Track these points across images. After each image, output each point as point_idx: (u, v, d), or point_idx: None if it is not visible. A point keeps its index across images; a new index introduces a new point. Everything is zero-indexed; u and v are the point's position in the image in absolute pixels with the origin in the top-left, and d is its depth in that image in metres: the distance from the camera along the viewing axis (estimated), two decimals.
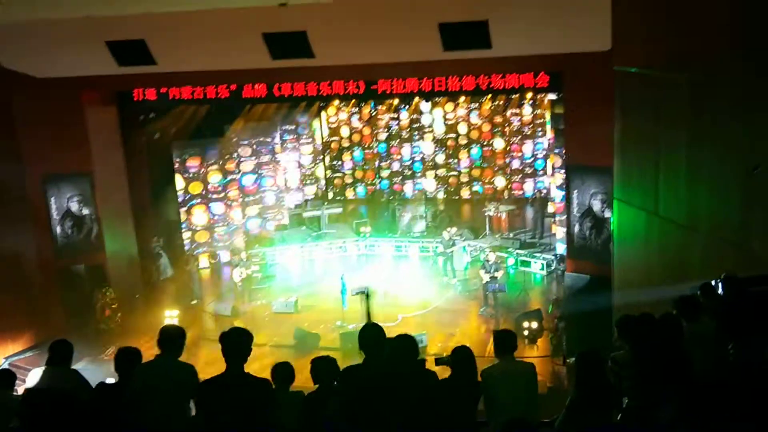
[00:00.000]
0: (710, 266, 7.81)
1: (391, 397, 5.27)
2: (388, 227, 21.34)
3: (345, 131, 23.94)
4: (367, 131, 23.78)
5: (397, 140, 23.53)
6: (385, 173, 23.86)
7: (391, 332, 5.67)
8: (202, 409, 5.07)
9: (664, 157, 9.57)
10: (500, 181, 22.66)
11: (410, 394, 5.32)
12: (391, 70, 13.36)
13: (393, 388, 5.30)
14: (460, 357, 5.72)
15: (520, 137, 22.35)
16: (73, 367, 6.39)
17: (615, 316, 10.81)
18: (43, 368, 6.20)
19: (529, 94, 19.98)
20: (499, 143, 22.61)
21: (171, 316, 16.10)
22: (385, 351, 5.48)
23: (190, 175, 19.79)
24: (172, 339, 5.50)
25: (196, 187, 19.89)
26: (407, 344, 5.50)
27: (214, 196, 20.25)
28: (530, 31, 11.48)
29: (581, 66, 11.62)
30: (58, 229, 14.54)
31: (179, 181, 19.57)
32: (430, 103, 22.21)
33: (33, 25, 12.11)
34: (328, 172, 24.13)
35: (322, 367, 5.69)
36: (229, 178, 20.45)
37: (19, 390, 6.69)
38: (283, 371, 6.25)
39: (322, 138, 23.79)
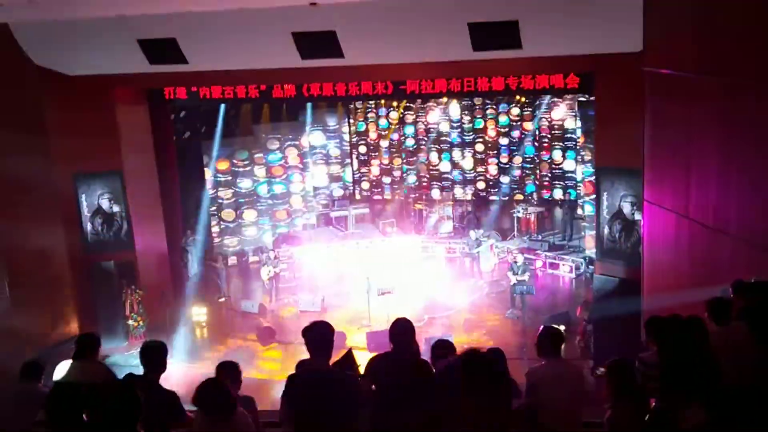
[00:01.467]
0: (740, 270, 7.69)
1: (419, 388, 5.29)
2: (415, 228, 21.33)
3: (373, 132, 23.94)
4: (395, 132, 23.76)
5: (426, 141, 23.48)
6: (412, 174, 23.81)
7: (418, 333, 5.70)
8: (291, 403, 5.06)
9: (695, 160, 9.46)
10: (529, 185, 22.51)
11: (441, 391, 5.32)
12: (420, 70, 13.34)
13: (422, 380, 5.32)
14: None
15: (549, 138, 22.19)
16: (102, 362, 6.49)
17: (644, 320, 10.74)
18: (70, 362, 6.28)
19: (559, 96, 19.83)
20: (528, 146, 22.47)
21: (199, 313, 16.28)
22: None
23: (220, 174, 19.95)
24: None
25: (225, 186, 20.05)
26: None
27: (243, 194, 20.39)
28: (561, 32, 11.38)
29: (612, 67, 11.50)
30: (89, 226, 14.69)
31: (209, 180, 19.73)
32: (458, 104, 22.11)
33: (65, 24, 12.27)
34: (356, 173, 24.15)
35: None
36: (258, 176, 20.58)
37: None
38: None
39: (350, 138, 23.80)
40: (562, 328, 13.69)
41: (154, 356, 5.50)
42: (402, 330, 5.62)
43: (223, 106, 18.37)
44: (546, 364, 5.89)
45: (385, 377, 5.57)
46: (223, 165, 20.09)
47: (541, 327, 6.23)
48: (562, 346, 5.97)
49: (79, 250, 14.55)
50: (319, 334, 5.06)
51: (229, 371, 5.75)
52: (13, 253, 12.98)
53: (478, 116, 22.33)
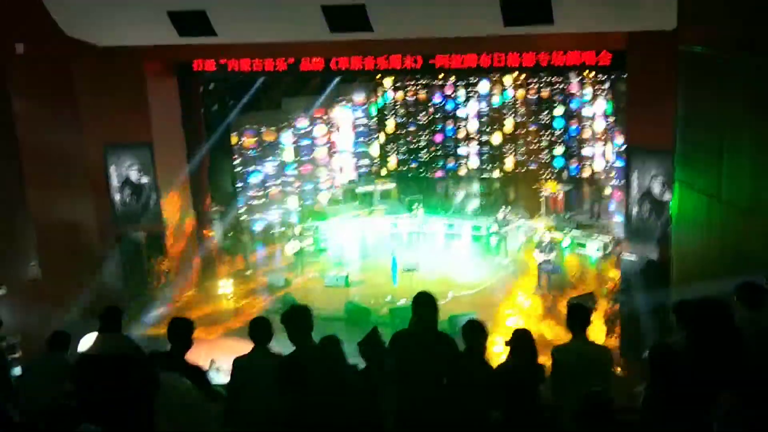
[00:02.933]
0: None
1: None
2: (441, 205, 21.25)
3: (401, 107, 23.80)
4: (422, 107, 23.60)
5: (453, 117, 23.29)
6: (439, 150, 23.67)
7: (442, 311, 5.69)
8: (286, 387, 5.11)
9: (728, 141, 9.27)
10: (559, 161, 22.26)
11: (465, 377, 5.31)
12: (450, 44, 13.20)
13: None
14: (521, 341, 5.61)
15: (580, 116, 21.93)
16: (129, 333, 6.55)
17: (671, 301, 10.63)
18: (95, 334, 6.34)
19: (590, 73, 19.55)
20: (559, 122, 22.19)
21: (225, 286, 16.40)
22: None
23: (247, 148, 19.98)
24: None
25: (252, 159, 20.09)
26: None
27: (270, 168, 20.42)
28: (593, 8, 11.19)
29: (645, 44, 11.29)
30: (117, 197, 14.82)
31: (236, 153, 19.77)
32: (488, 81, 21.89)
33: None
34: (382, 148, 24.06)
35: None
36: (285, 150, 20.60)
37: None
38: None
39: (377, 113, 23.69)
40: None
41: (181, 333, 5.53)
42: (424, 303, 5.60)
43: (255, 79, 18.31)
44: (571, 342, 5.82)
45: (407, 353, 5.57)
46: (251, 138, 20.10)
47: (569, 304, 6.17)
48: (588, 324, 5.88)
49: (107, 221, 14.69)
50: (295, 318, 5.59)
51: (263, 330, 5.78)
52: (43, 223, 13.13)
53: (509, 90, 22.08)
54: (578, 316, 5.84)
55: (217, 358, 10.10)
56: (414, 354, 5.54)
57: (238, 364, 5.61)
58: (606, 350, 5.98)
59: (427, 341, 5.59)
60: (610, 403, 4.47)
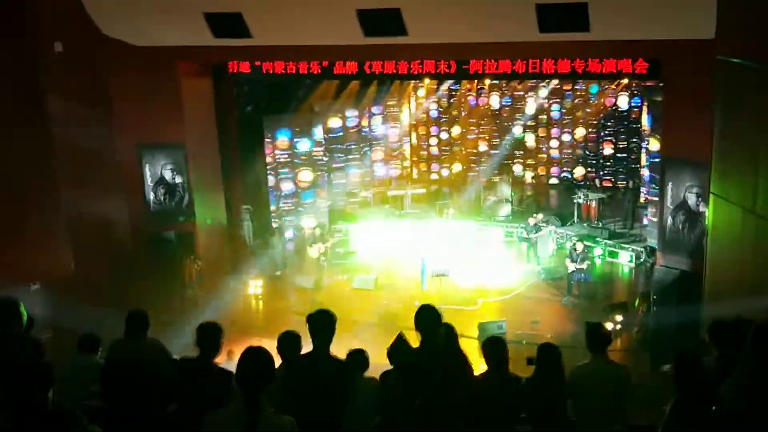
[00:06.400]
0: None
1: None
2: (472, 210, 21.16)
3: (433, 112, 23.79)
4: (455, 112, 23.56)
5: (486, 121, 23.23)
6: (472, 155, 23.61)
7: (471, 317, 5.64)
8: (287, 385, 5.10)
9: (765, 153, 9.10)
10: (579, 170, 22.08)
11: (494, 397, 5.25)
12: (484, 50, 13.13)
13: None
14: (548, 356, 5.55)
15: (613, 124, 21.77)
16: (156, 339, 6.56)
17: (704, 314, 10.46)
18: (121, 339, 6.39)
19: (626, 81, 19.39)
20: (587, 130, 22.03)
21: (255, 286, 16.49)
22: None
23: (280, 149, 20.09)
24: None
25: (284, 161, 20.19)
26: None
27: (302, 170, 20.51)
28: (630, 16, 11.07)
29: (682, 54, 11.14)
30: (152, 196, 14.98)
31: (269, 154, 19.87)
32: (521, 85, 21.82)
33: None
34: (414, 153, 24.06)
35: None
36: (317, 151, 20.67)
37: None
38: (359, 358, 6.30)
39: (410, 118, 23.71)
40: (619, 318, 13.50)
41: (210, 338, 5.48)
42: (425, 318, 5.43)
43: (289, 81, 18.39)
44: (589, 362, 5.77)
45: (411, 370, 5.43)
46: (284, 139, 20.19)
47: (586, 324, 6.09)
48: (607, 345, 5.81)
49: (141, 220, 14.84)
50: (318, 322, 5.41)
51: (290, 342, 5.77)
52: (76, 221, 13.28)
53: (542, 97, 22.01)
54: (597, 335, 5.79)
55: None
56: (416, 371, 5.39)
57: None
58: (625, 370, 5.87)
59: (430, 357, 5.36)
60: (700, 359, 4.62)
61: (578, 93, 22.09)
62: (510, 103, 22.94)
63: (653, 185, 17.58)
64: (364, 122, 22.11)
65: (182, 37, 13.57)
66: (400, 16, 11.93)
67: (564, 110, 22.57)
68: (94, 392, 4.65)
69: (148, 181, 14.89)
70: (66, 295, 11.99)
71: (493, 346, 5.64)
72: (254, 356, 4.01)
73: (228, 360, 10.27)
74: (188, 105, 14.80)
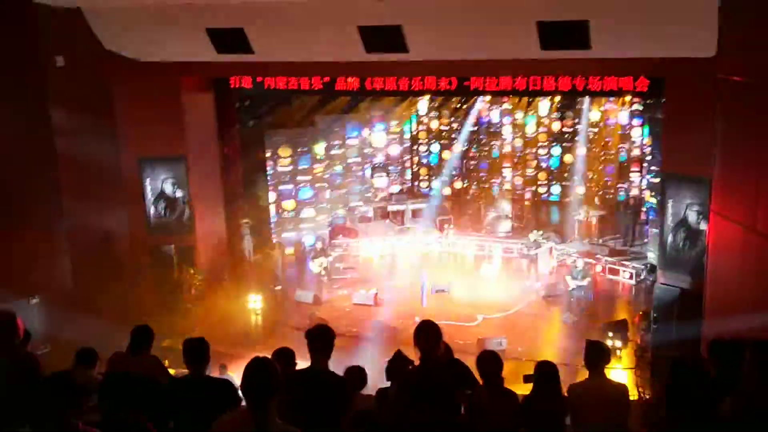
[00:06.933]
0: None
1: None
2: (472, 225, 21.14)
3: (434, 128, 23.83)
4: (456, 128, 23.59)
5: (486, 138, 23.25)
6: (472, 171, 23.62)
7: (471, 333, 5.62)
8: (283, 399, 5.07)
9: (766, 172, 9.11)
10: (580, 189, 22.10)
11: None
12: (485, 67, 13.17)
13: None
14: (545, 373, 5.52)
15: (615, 141, 21.77)
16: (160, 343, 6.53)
17: (704, 333, 10.44)
18: (121, 352, 6.36)
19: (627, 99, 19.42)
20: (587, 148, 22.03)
21: (255, 300, 16.44)
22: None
23: (281, 165, 20.13)
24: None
25: (285, 176, 20.23)
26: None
27: (303, 184, 20.54)
28: (631, 34, 11.11)
29: (683, 72, 11.18)
30: (152, 210, 14.99)
31: (270, 169, 19.90)
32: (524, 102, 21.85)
33: (136, 9, 12.52)
34: (415, 168, 24.07)
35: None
36: (318, 166, 20.70)
37: None
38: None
39: (411, 133, 23.76)
40: (619, 335, 13.45)
41: (196, 353, 5.44)
42: (424, 335, 5.30)
43: (290, 96, 18.44)
44: (588, 379, 5.75)
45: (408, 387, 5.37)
46: (285, 155, 20.22)
47: (587, 341, 6.05)
48: (607, 363, 5.79)
49: (141, 233, 14.84)
50: (316, 337, 5.19)
51: (284, 358, 5.74)
52: (77, 233, 13.28)
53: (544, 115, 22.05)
54: (597, 353, 5.76)
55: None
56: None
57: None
58: (624, 388, 5.85)
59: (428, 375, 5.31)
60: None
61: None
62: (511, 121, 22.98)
63: (653, 205, 17.57)
64: (366, 137, 22.14)
65: (185, 52, 13.65)
66: (401, 33, 11.99)
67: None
68: (91, 406, 4.61)
69: (149, 194, 14.90)
70: (65, 309, 11.98)
71: (486, 360, 5.61)
72: (260, 367, 3.97)
73: (220, 374, 10.31)
74: (190, 119, 14.85)
